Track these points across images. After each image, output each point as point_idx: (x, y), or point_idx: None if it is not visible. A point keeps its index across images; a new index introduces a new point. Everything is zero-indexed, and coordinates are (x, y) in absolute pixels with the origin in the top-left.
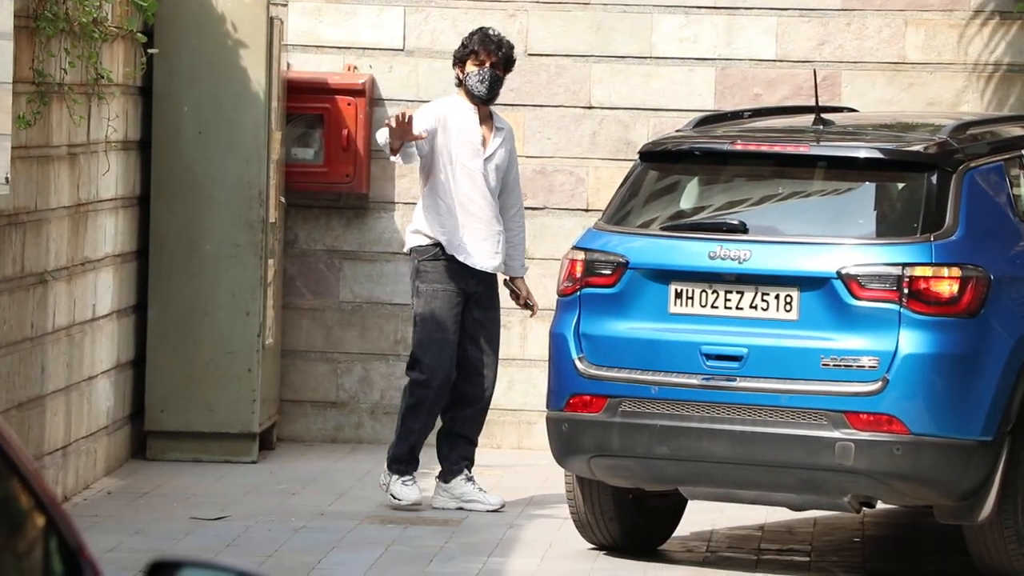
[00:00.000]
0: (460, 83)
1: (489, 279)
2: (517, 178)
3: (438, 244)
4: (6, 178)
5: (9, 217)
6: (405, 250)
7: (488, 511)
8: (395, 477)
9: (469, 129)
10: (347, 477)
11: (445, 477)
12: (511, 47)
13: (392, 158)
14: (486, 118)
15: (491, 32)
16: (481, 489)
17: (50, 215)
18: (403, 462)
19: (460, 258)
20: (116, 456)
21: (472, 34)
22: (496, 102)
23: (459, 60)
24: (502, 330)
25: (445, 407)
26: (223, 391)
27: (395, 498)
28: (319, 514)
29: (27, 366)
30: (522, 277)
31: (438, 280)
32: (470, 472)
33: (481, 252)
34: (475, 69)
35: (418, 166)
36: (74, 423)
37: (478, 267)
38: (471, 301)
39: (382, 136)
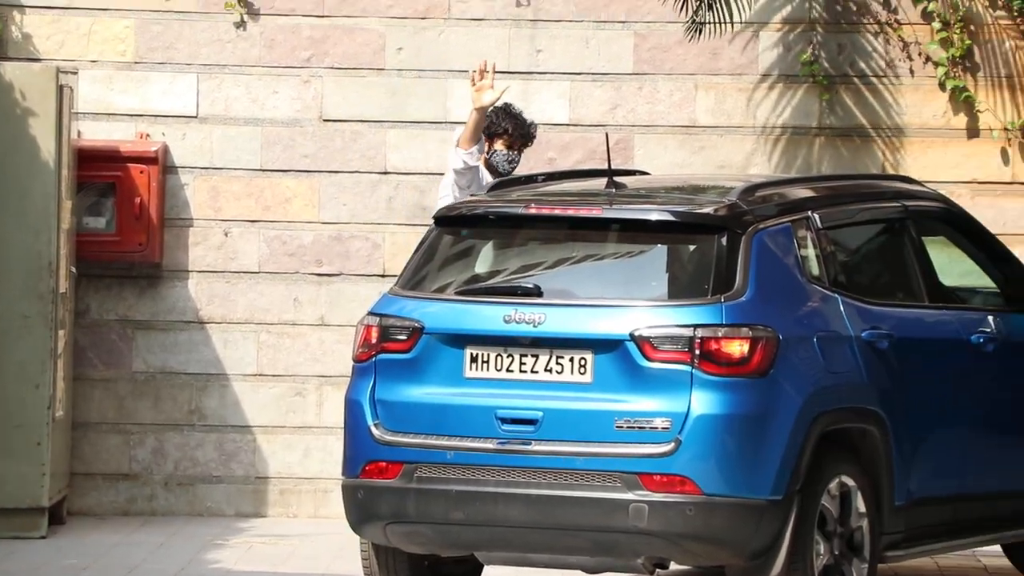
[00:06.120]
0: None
1: None
2: None
3: None
4: None
5: None
6: None
7: None
8: None
9: None
10: (139, 551)
11: None
12: (535, 127)
13: (465, 154)
14: None
15: (522, 114)
16: None
17: None
18: None
19: None
20: None
21: (505, 113)
22: (293, 168)
23: (487, 135)
24: (298, 398)
25: None
26: (11, 465)
27: None
28: None
29: None
30: None
31: None
32: None
33: None
34: (503, 150)
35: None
36: None
37: None
38: None
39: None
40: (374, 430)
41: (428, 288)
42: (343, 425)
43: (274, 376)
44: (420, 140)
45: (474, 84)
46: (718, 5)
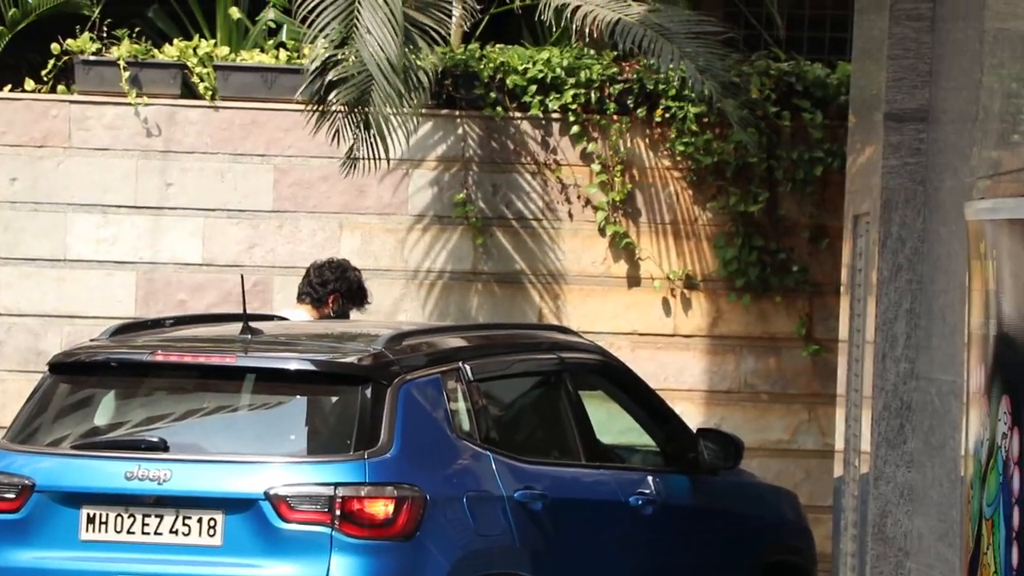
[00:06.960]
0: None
1: None
2: None
3: None
4: None
5: None
6: None
7: None
8: None
9: None
10: None
11: None
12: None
13: None
14: None
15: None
16: None
17: None
18: None
19: None
20: None
21: (341, 271)
22: None
23: (324, 294)
24: None
25: None
26: None
27: None
28: None
29: None
30: None
31: None
32: None
33: None
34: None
35: None
36: None
37: None
38: None
39: None
40: None
41: (41, 441)
42: None
43: None
44: (36, 279)
45: None
46: (370, 140)
